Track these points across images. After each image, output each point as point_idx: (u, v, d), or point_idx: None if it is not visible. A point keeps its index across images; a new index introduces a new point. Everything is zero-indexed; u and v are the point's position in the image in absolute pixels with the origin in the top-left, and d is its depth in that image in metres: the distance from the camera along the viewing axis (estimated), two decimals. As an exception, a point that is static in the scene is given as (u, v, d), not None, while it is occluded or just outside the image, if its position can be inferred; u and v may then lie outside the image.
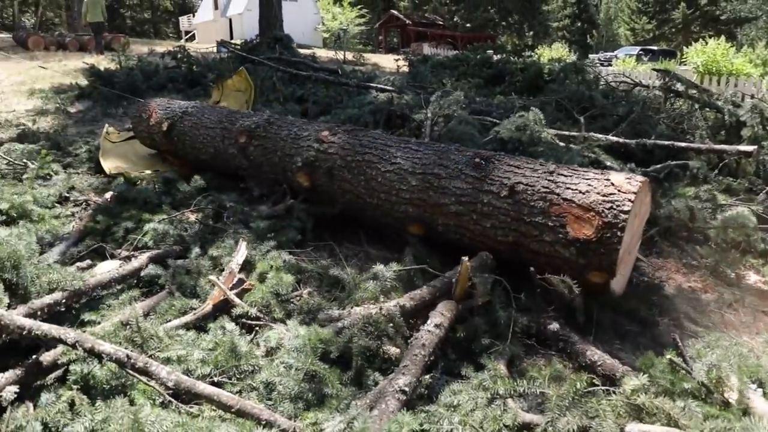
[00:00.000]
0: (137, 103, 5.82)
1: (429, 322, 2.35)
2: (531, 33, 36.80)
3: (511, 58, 9.86)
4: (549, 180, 2.72)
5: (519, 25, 36.02)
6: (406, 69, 10.53)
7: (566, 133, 4.79)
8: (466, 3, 33.62)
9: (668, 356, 2.04)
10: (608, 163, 4.21)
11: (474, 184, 2.93)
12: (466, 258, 2.52)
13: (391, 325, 2.33)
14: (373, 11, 39.00)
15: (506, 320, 2.46)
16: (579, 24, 40.48)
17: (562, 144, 4.43)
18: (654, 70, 8.33)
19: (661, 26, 41.65)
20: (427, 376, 2.17)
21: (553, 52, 27.64)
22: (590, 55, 27.47)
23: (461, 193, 2.95)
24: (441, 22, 36.13)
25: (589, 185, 2.61)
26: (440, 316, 2.40)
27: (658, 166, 4.36)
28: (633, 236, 2.75)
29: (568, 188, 2.64)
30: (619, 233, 2.45)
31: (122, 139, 5.49)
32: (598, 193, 2.55)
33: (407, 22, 34.70)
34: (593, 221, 2.51)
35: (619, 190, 2.53)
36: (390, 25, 37.78)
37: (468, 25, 34.27)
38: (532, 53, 16.79)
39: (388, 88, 6.70)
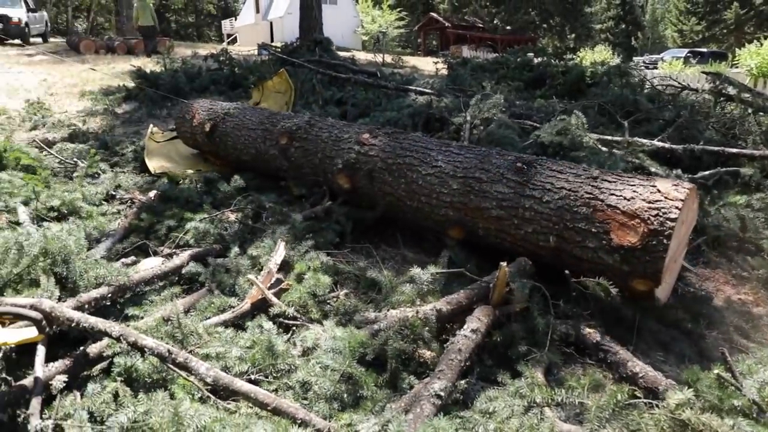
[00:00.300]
0: (181, 105, 5.97)
1: (465, 326, 2.33)
2: (573, 35, 36.09)
3: (552, 60, 9.68)
4: (593, 186, 2.69)
5: (560, 28, 35.38)
6: (445, 72, 10.46)
7: (609, 137, 4.67)
8: (507, 5, 33.21)
9: (716, 371, 1.95)
10: (653, 169, 4.08)
11: (516, 188, 2.91)
12: (504, 263, 2.49)
13: (427, 328, 2.32)
14: (413, 14, 39.02)
15: (544, 327, 2.41)
16: (623, 26, 39.57)
17: (604, 149, 4.32)
18: (704, 72, 8.05)
19: (711, 27, 40.23)
20: (463, 382, 2.15)
21: (596, 55, 27.04)
22: (635, 58, 26.74)
23: (502, 197, 2.94)
24: (481, 25, 35.83)
25: (634, 192, 2.56)
26: (477, 321, 2.37)
27: (707, 172, 4.21)
28: (679, 244, 2.69)
29: (613, 194, 2.61)
30: (665, 241, 2.40)
31: (166, 139, 5.68)
32: (643, 200, 2.51)
33: (446, 24, 34.56)
34: (638, 228, 2.47)
35: (665, 197, 2.48)
36: (429, 27, 37.71)
37: (508, 27, 33.85)
38: (574, 56, 16.45)
39: (428, 91, 6.67)
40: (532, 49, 12.91)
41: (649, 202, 2.49)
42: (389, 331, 2.27)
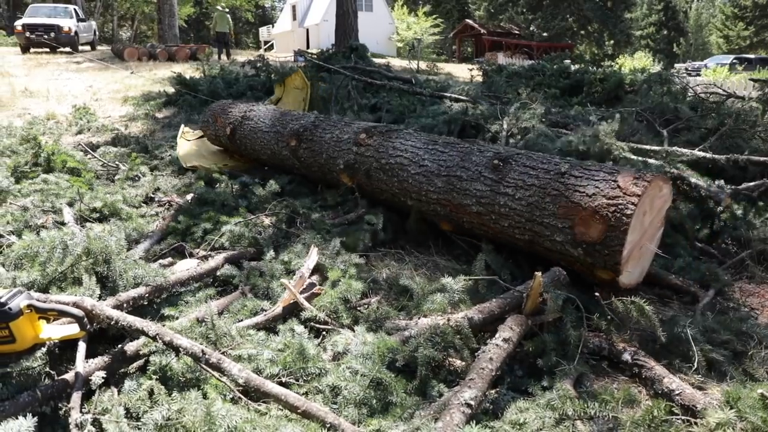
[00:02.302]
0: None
1: (497, 335, 2.31)
2: (611, 42, 35.39)
3: (590, 67, 9.53)
4: (560, 182, 2.85)
5: (598, 34, 34.72)
6: (480, 79, 10.42)
7: (646, 146, 4.55)
8: (544, 12, 32.81)
9: (760, 390, 1.88)
10: (693, 180, 3.96)
11: (491, 186, 3.11)
12: (539, 273, 2.46)
13: (459, 336, 2.31)
14: (448, 21, 39.00)
15: (576, 339, 2.36)
16: (665, 32, 38.62)
17: (637, 157, 4.21)
18: (751, 79, 7.78)
19: (760, 32, 38.88)
20: (493, 391, 2.13)
21: (636, 62, 26.49)
22: (676, 65, 26.10)
23: (480, 194, 3.14)
24: (516, 32, 35.54)
25: (596, 188, 2.72)
26: (509, 330, 2.34)
27: (752, 183, 4.05)
28: (644, 232, 2.81)
29: (576, 191, 2.77)
30: (621, 236, 2.58)
31: (196, 137, 6.02)
32: (603, 197, 2.67)
33: (482, 31, 34.41)
34: (598, 225, 2.65)
35: (624, 193, 2.63)
36: (464, 34, 37.62)
37: (545, 34, 33.42)
38: (612, 63, 16.14)
39: (463, 98, 6.65)
40: (569, 55, 12.71)
41: (609, 199, 2.64)
42: (420, 338, 2.26)
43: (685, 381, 2.22)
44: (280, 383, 2.02)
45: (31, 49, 18.04)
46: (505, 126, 5.21)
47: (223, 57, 16.99)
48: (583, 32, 34.64)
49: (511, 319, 2.44)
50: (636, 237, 2.68)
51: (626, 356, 2.37)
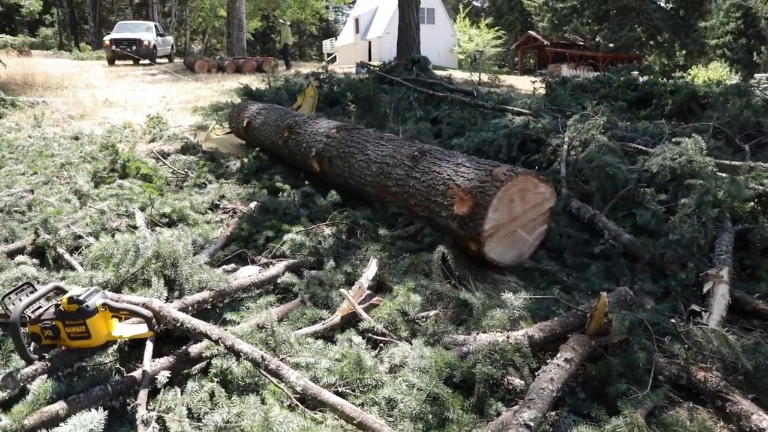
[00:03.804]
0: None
1: (559, 355, 2.23)
2: (683, 52, 33.88)
3: (660, 79, 9.16)
4: (454, 170, 3.45)
5: (669, 44, 33.32)
6: (542, 91, 10.21)
7: (727, 162, 4.30)
8: (611, 22, 31.84)
9: None
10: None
11: (407, 171, 3.76)
12: (604, 293, 2.36)
13: (518, 354, 2.24)
14: (510, 32, 38.57)
15: (645, 363, 2.24)
16: (743, 40, 36.53)
17: (724, 175, 3.98)
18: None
19: None
20: (554, 413, 2.05)
21: (710, 73, 25.24)
22: (756, 75, 24.62)
23: (398, 178, 3.81)
24: (581, 43, 34.67)
25: (475, 174, 3.30)
26: (571, 350, 2.26)
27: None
28: (514, 219, 3.34)
29: (462, 176, 3.36)
30: (484, 212, 3.14)
31: (223, 133, 7.29)
32: (478, 181, 3.25)
33: (545, 42, 33.80)
34: (468, 201, 3.23)
35: (493, 179, 3.20)
36: (527, 46, 37.07)
37: (611, 45, 32.41)
38: (684, 74, 15.43)
39: (525, 111, 6.53)
40: (637, 67, 12.25)
41: (480, 182, 3.23)
42: (478, 354, 2.22)
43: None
44: (337, 393, 2.03)
45: (116, 61, 19.85)
46: (566, 139, 5.07)
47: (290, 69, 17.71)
48: (652, 42, 33.33)
49: (573, 338, 2.36)
50: (502, 218, 3.25)
51: (707, 387, 2.21)
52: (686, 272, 3.15)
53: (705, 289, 3.00)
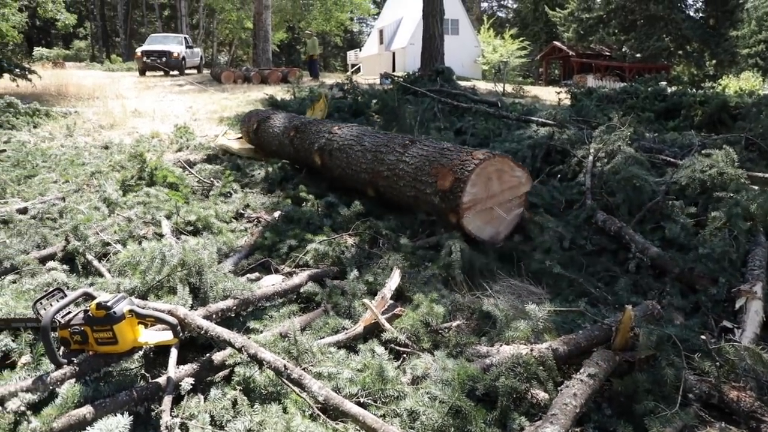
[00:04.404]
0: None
1: (582, 370, 2.19)
2: (713, 62, 33.24)
3: (689, 89, 9.00)
4: (440, 153, 3.88)
5: (699, 54, 32.71)
6: (568, 102, 10.12)
7: (761, 174, 4.19)
8: (638, 32, 31.44)
9: None
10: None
11: (398, 156, 4.18)
12: (629, 306, 2.32)
13: (542, 368, 2.21)
14: (535, 43, 38.39)
15: (674, 380, 2.18)
16: (776, 50, 35.62)
17: (756, 187, 3.88)
18: None
19: None
20: (578, 429, 2.01)
21: (742, 82, 24.72)
22: (789, 86, 24.04)
23: (390, 162, 4.22)
24: (607, 53, 34.29)
25: (458, 156, 3.72)
26: (595, 365, 2.22)
27: None
28: (491, 196, 3.73)
29: (445, 157, 3.79)
30: (463, 185, 3.52)
31: (235, 137, 7.72)
32: (459, 160, 3.67)
33: (570, 53, 33.53)
34: (449, 177, 3.62)
35: (472, 158, 3.61)
36: (552, 56, 36.83)
37: (638, 55, 31.97)
38: (714, 84, 15.14)
39: (550, 122, 6.47)
40: (665, 77, 12.06)
41: (461, 161, 3.64)
42: (501, 367, 2.19)
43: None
44: (359, 403, 2.02)
45: (147, 72, 20.78)
46: (591, 150, 5.01)
47: (312, 79, 17.95)
48: (681, 52, 32.76)
49: (597, 353, 2.31)
50: (480, 193, 3.63)
51: (741, 407, 2.14)
52: (717, 287, 3.07)
53: (737, 305, 2.91)
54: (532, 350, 2.26)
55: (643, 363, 2.34)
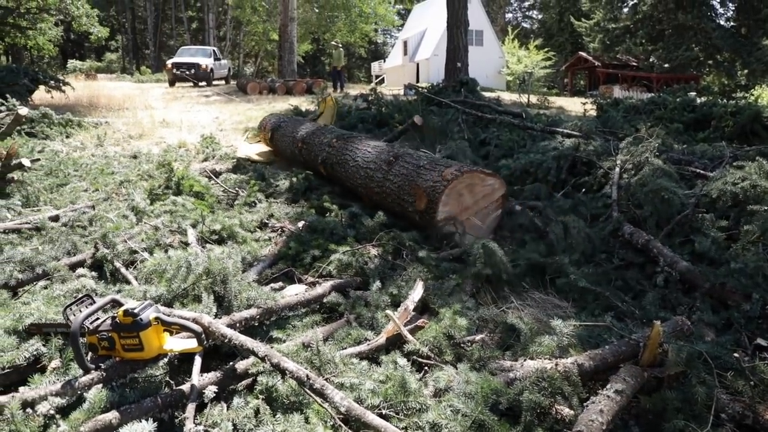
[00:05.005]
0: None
1: (609, 386, 2.14)
2: (745, 71, 32.51)
3: (719, 99, 8.81)
4: (417, 173, 4.25)
5: (729, 63, 32.04)
6: (593, 113, 10.00)
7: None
8: (666, 42, 30.96)
9: None
10: None
11: (384, 174, 4.59)
12: (658, 322, 2.26)
13: (567, 383, 2.17)
14: (560, 53, 38.12)
15: (705, 399, 2.12)
16: (810, 61, 34.71)
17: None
18: None
19: None
20: (605, 447, 1.96)
21: (774, 93, 24.12)
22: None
23: (378, 179, 4.65)
24: (634, 63, 33.85)
25: (431, 176, 4.10)
26: (622, 381, 2.17)
27: None
28: (465, 209, 4.12)
29: (421, 177, 4.18)
30: (435, 206, 3.94)
31: (255, 141, 8.30)
32: (431, 181, 4.05)
33: (596, 63, 33.20)
34: (424, 198, 4.03)
35: (442, 179, 3.99)
36: (577, 67, 36.52)
37: (666, 65, 31.45)
38: (746, 94, 14.79)
39: (575, 133, 6.39)
40: (695, 87, 11.83)
41: (433, 182, 4.02)
42: (525, 382, 2.16)
43: None
44: (381, 415, 2.01)
45: (177, 83, 21.52)
46: (618, 162, 4.93)
47: (338, 91, 18.10)
48: (711, 62, 32.13)
49: (625, 369, 2.27)
50: (453, 209, 4.02)
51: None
52: (751, 303, 2.97)
53: (772, 322, 2.82)
54: (556, 365, 2.22)
55: (673, 380, 2.28)
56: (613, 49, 32.62)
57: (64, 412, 1.98)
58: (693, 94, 9.36)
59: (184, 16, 45.10)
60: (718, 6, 30.61)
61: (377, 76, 37.62)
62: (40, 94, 13.18)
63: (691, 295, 3.25)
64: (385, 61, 40.48)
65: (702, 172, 4.85)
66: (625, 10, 32.55)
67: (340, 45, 21.48)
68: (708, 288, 3.19)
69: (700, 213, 3.93)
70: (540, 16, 52.28)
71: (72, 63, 34.97)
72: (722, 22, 31.44)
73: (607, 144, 5.64)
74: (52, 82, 13.22)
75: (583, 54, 34.89)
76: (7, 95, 9.17)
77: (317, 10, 32.48)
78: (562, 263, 3.48)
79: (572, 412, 2.13)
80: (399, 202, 4.30)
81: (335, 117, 8.84)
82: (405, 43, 35.89)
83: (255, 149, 7.87)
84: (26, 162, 5.20)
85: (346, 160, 5.20)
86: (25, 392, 2.00)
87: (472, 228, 4.12)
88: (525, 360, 2.39)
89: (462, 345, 2.55)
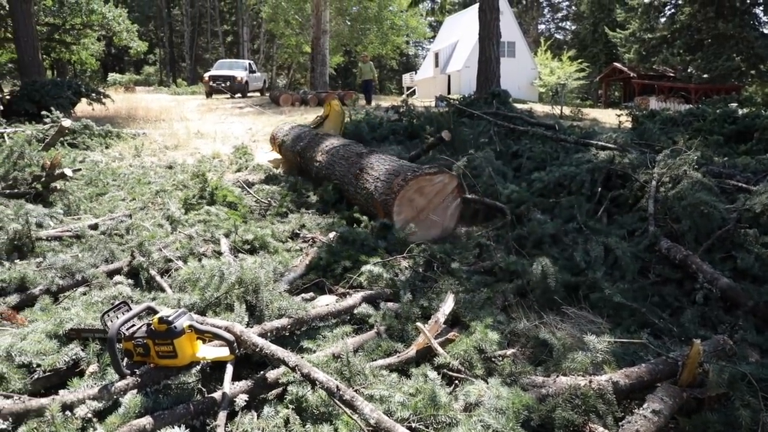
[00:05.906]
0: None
1: (645, 406, 2.09)
2: (789, 82, 31.44)
3: (763, 111, 8.54)
4: (375, 188, 4.66)
5: (772, 74, 31.05)
6: (629, 125, 9.81)
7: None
8: (705, 52, 30.22)
9: None
10: None
11: (355, 187, 5.06)
12: (698, 341, 2.19)
13: (602, 401, 2.12)
14: (594, 64, 37.62)
15: (751, 423, 2.03)
16: None
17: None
18: None
19: None
20: (642, 470, 1.90)
21: (820, 105, 23.26)
22: None
23: (352, 192, 5.13)
24: (671, 74, 33.14)
25: (386, 187, 4.50)
26: (659, 401, 2.11)
27: None
28: (421, 209, 4.49)
29: (378, 191, 4.57)
30: (390, 216, 4.36)
31: (271, 150, 8.57)
32: (383, 194, 4.49)
33: (631, 74, 32.62)
34: (381, 211, 4.49)
35: (391, 192, 4.41)
36: (612, 78, 35.96)
37: (705, 75, 30.67)
38: (790, 106, 14.28)
39: (610, 145, 6.27)
40: (736, 98, 11.50)
41: (386, 195, 4.45)
42: (558, 398, 2.11)
43: None
44: (410, 428, 1.99)
45: (214, 95, 22.37)
46: (655, 175, 4.81)
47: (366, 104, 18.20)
48: (753, 72, 31.22)
49: (662, 388, 2.21)
50: (408, 215, 4.41)
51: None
52: (797, 323, 2.86)
53: (820, 343, 2.70)
54: (590, 382, 2.17)
55: (714, 402, 2.20)
56: (650, 60, 32.04)
57: (100, 415, 2.03)
58: (734, 105, 9.10)
59: (220, 30, 46.28)
60: (761, 14, 29.74)
61: (408, 88, 37.76)
62: (82, 107, 13.66)
63: (732, 314, 3.14)
64: (416, 73, 40.59)
65: (744, 185, 4.70)
66: (662, 19, 31.98)
67: (370, 58, 21.68)
68: (752, 306, 3.08)
69: (743, 228, 3.80)
70: (573, 27, 51.75)
71: (112, 76, 36.20)
72: (766, 31, 30.53)
73: (643, 156, 5.51)
74: (93, 94, 13.69)
75: (618, 65, 34.34)
76: (52, 108, 9.52)
77: (349, 23, 32.84)
78: (596, 278, 3.40)
79: (607, 431, 2.07)
80: (369, 210, 4.72)
81: (343, 125, 8.63)
82: (436, 55, 35.95)
83: (270, 157, 8.28)
84: (68, 172, 5.39)
85: (331, 173, 5.67)
86: (64, 395, 2.06)
87: (433, 224, 4.53)
88: (558, 376, 2.34)
89: (493, 359, 2.52)
